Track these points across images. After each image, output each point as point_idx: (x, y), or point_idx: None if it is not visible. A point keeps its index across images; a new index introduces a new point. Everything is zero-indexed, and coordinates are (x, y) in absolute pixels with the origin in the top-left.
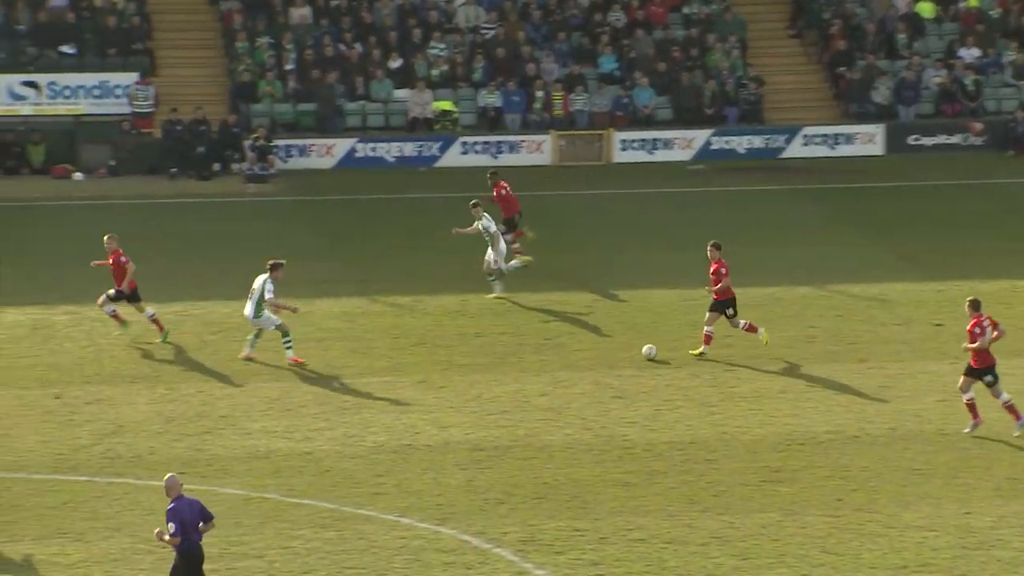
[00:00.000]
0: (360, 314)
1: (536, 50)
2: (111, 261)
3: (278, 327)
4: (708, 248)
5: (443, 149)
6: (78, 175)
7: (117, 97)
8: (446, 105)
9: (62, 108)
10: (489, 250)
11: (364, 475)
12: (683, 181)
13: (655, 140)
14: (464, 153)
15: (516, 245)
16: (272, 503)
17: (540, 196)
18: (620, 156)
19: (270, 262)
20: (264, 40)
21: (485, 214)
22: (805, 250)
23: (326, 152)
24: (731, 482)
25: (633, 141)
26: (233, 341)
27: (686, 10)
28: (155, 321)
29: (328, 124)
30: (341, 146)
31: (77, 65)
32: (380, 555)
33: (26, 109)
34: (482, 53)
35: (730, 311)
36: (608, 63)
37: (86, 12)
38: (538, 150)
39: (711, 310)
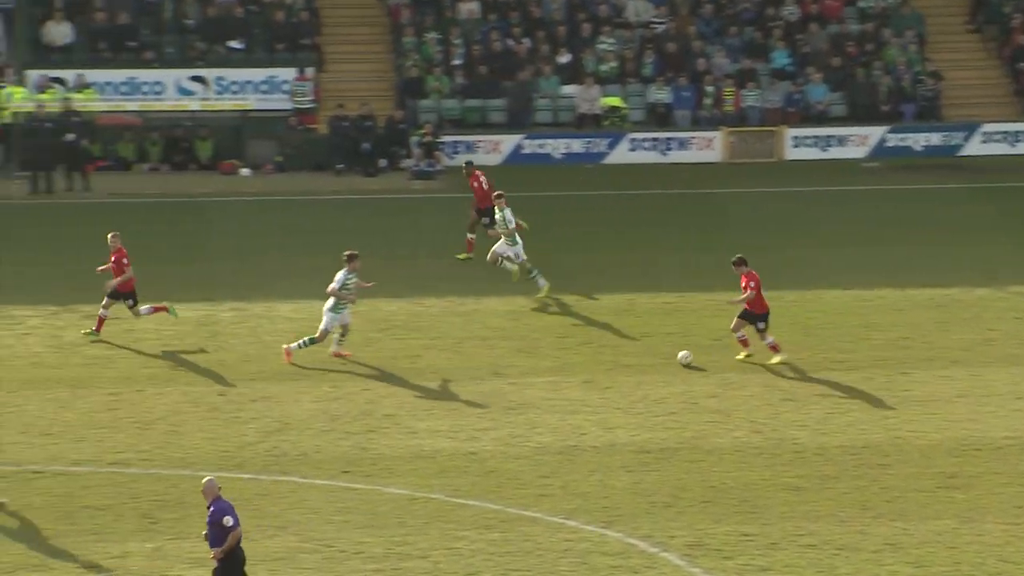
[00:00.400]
0: (526, 313)
1: (707, 45)
2: (113, 260)
3: (343, 325)
4: (732, 267)
5: (611, 146)
6: (245, 171)
7: (284, 92)
8: (615, 101)
9: (229, 103)
10: (500, 242)
11: (529, 476)
12: (857, 179)
13: (828, 137)
14: (632, 150)
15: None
16: (437, 503)
17: (710, 194)
18: (792, 153)
19: (347, 253)
20: (432, 35)
21: (507, 207)
22: (983, 250)
23: (493, 148)
24: (905, 488)
25: (806, 138)
26: (397, 339)
27: (862, 4)
28: (157, 309)
29: (519, 119)
30: (508, 143)
31: (245, 60)
32: (545, 557)
33: (194, 104)
34: (652, 48)
35: (761, 324)
36: (781, 58)
37: (254, 7)
38: (708, 147)
39: (740, 316)
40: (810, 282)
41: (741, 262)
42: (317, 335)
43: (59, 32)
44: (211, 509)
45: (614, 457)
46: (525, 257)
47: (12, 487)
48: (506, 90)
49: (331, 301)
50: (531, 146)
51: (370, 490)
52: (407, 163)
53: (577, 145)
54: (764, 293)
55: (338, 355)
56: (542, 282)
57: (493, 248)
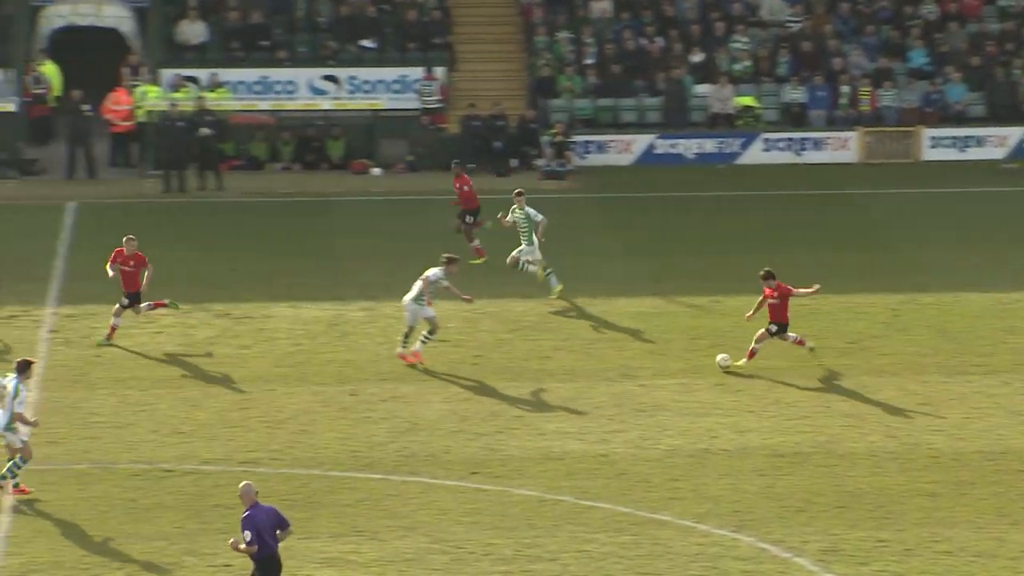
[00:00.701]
0: (656, 314)
1: (843, 44)
2: (132, 264)
3: (429, 319)
4: (760, 279)
5: (745, 146)
6: (376, 170)
7: (416, 92)
8: (748, 101)
9: (361, 103)
10: (524, 244)
11: (660, 479)
12: (996, 180)
13: (967, 137)
14: (766, 150)
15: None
16: (566, 505)
17: (845, 195)
18: (929, 154)
19: (446, 255)
20: (564, 34)
21: (527, 206)
22: None
23: (624, 149)
24: None
25: (943, 138)
26: (527, 340)
27: (1002, 2)
28: (157, 305)
29: (674, 118)
30: (640, 142)
31: (377, 59)
32: (676, 561)
33: (326, 104)
34: (787, 47)
35: (773, 327)
36: (918, 57)
37: (387, 6)
38: (843, 147)
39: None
40: (948, 285)
41: (769, 276)
42: (430, 330)
43: (193, 31)
44: (245, 515)
45: (746, 460)
46: (537, 258)
47: (145, 485)
48: (661, 89)
49: (414, 292)
50: (663, 146)
51: (499, 491)
52: (538, 163)
53: (710, 145)
54: (903, 296)
55: (402, 356)
56: (554, 281)
57: (512, 252)
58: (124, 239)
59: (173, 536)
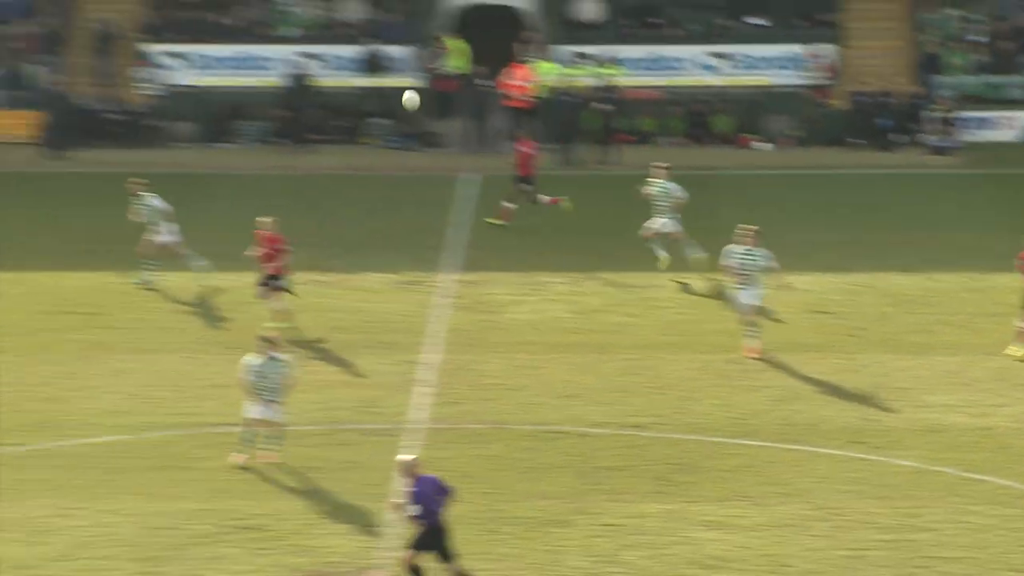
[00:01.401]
0: None
1: None
2: (273, 247)
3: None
4: None
5: None
6: (764, 145)
7: (802, 69)
8: None
9: (749, 79)
10: (658, 216)
11: None
12: None
13: None
14: None
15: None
16: (948, 477)
17: None
18: None
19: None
20: (954, 12)
21: (669, 181)
22: None
23: (1011, 125)
24: None
25: None
26: (910, 313)
27: None
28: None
29: None
30: None
31: (765, 36)
32: None
33: (714, 80)
34: None
35: None
36: None
37: None
38: None
39: None
40: None
41: None
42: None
43: (589, 9)
44: (415, 490)
45: None
46: (669, 231)
47: (536, 446)
48: None
49: (744, 283)
50: None
51: (879, 461)
52: (924, 139)
53: None
54: None
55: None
56: (660, 253)
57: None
58: (258, 220)
59: (562, 495)
